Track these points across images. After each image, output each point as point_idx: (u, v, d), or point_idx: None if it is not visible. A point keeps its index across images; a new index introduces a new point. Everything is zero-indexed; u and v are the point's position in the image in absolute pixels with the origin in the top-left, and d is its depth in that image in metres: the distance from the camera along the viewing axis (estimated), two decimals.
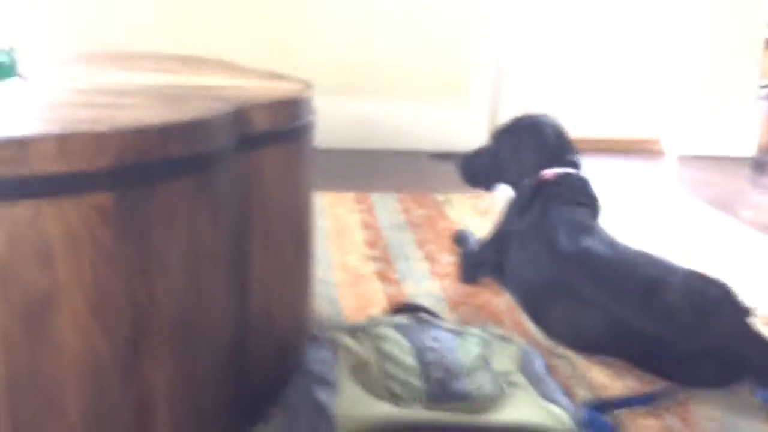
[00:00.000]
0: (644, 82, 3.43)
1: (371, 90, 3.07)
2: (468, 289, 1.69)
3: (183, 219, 0.89)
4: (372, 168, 2.84)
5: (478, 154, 1.78)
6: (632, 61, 3.43)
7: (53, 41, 2.88)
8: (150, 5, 2.90)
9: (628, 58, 3.43)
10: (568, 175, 1.60)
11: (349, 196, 2.36)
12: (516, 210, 1.61)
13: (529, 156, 1.65)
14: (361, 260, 1.83)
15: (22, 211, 0.76)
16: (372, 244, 1.95)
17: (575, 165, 1.64)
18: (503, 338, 1.18)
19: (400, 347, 1.05)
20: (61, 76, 1.22)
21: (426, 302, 1.59)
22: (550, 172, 1.60)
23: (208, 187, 0.93)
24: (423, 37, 1.66)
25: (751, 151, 3.33)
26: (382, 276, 1.73)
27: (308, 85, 1.26)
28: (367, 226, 2.09)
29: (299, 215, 1.18)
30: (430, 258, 1.86)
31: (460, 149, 1.85)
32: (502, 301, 1.62)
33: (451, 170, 2.85)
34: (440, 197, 2.40)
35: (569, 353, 1.39)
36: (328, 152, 2.97)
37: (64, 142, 0.77)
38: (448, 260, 1.85)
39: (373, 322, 1.14)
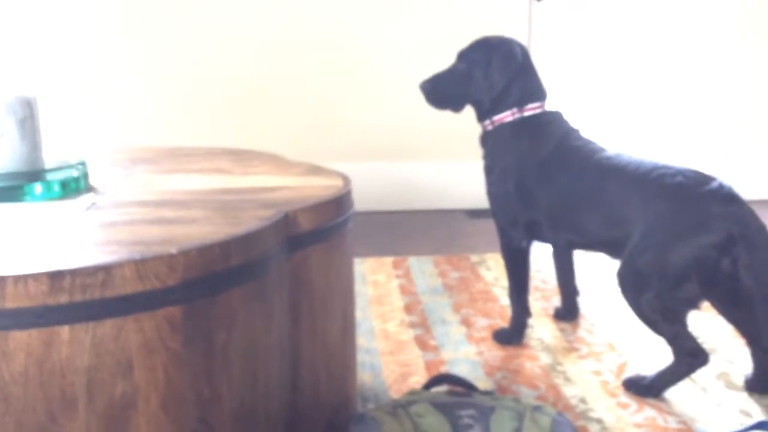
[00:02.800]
0: (690, 130, 3.49)
1: (406, 153, 3.21)
2: (503, 352, 1.77)
3: (241, 321, 1.01)
4: (409, 229, 2.95)
5: (445, 76, 1.77)
6: (677, 109, 3.50)
7: (95, 137, 3.09)
8: (180, 96, 3.10)
9: (670, 106, 3.51)
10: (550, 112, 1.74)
11: (387, 261, 2.47)
12: (526, 145, 1.70)
13: (499, 74, 1.71)
14: (401, 327, 1.93)
15: (107, 327, 0.89)
16: (410, 309, 2.05)
17: (543, 93, 1.76)
18: (536, 408, 1.27)
19: (437, 424, 1.15)
20: (128, 186, 1.36)
21: (464, 367, 1.68)
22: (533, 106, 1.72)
23: (262, 289, 1.05)
24: None
25: None
26: (421, 343, 1.83)
27: (346, 180, 1.38)
28: (406, 291, 2.20)
29: (343, 302, 1.29)
30: (466, 322, 1.96)
31: None
32: (536, 364, 1.71)
33: (485, 227, 2.97)
34: (475, 258, 2.50)
35: (601, 416, 1.46)
36: (369, 215, 3.10)
37: (141, 265, 0.90)
38: (483, 323, 1.94)
39: (412, 399, 1.24)
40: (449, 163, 3.20)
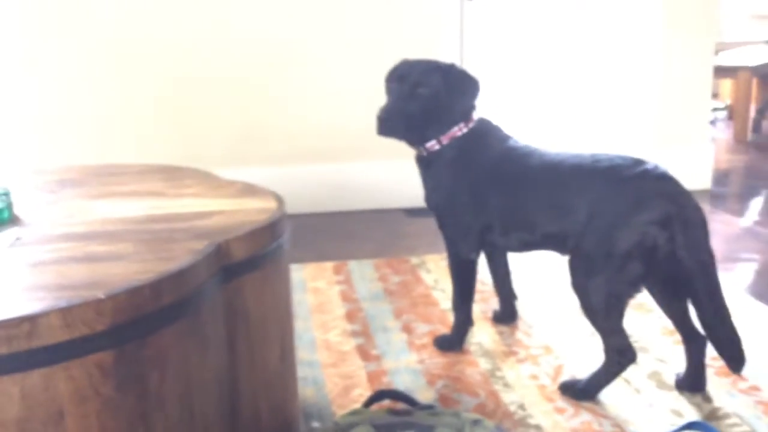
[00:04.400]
0: (597, 120, 3.58)
1: (341, 154, 3.20)
2: (444, 359, 1.80)
3: (174, 360, 1.00)
4: (349, 231, 2.95)
5: (406, 100, 1.71)
6: (585, 101, 3.59)
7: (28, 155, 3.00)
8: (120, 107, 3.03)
9: (582, 96, 3.59)
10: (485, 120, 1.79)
11: (328, 267, 2.47)
12: (470, 158, 1.73)
13: (464, 96, 1.74)
14: (343, 336, 1.94)
15: (36, 378, 0.87)
16: (352, 317, 2.06)
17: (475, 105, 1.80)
18: (475, 423, 1.29)
19: None
20: (55, 215, 1.32)
21: (405, 377, 1.70)
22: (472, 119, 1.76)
23: (195, 325, 1.04)
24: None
25: (706, 183, 3.49)
26: (363, 353, 1.84)
27: (280, 201, 1.37)
28: (347, 298, 2.20)
29: (281, 327, 1.28)
30: (407, 329, 1.97)
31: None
32: (476, 371, 1.73)
33: (424, 226, 2.99)
34: (415, 260, 2.52)
35: (541, 422, 1.50)
36: (307, 217, 3.09)
37: (68, 313, 0.88)
38: (424, 330, 1.96)
39: (353, 420, 1.24)
40: (385, 162, 3.21)
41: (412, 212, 3.14)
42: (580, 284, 1.56)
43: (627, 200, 1.50)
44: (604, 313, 1.54)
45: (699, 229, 1.49)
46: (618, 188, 1.53)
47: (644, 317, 1.96)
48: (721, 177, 3.81)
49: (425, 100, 1.71)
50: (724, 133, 5.35)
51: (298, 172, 3.18)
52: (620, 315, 1.55)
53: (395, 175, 3.19)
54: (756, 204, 3.31)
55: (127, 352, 0.93)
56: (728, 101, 5.90)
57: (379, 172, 3.21)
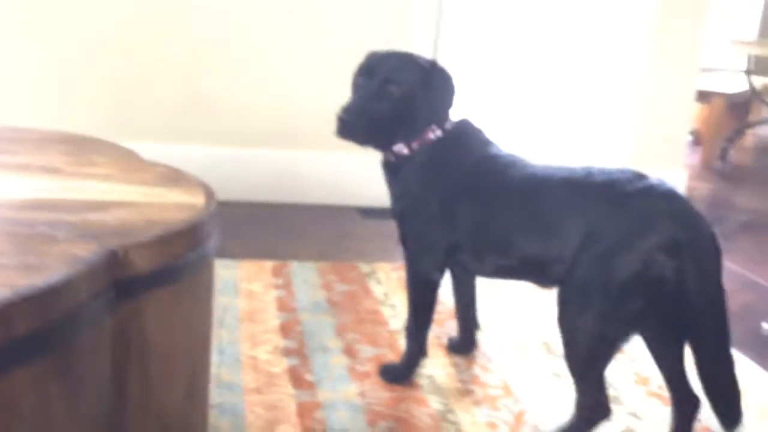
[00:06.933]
0: (572, 130, 3.39)
1: (296, 140, 2.91)
2: (389, 393, 1.54)
3: (30, 410, 0.72)
4: (294, 226, 2.67)
5: (373, 99, 1.45)
6: (561, 109, 3.39)
7: None
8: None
9: (558, 105, 3.39)
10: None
11: (267, 267, 2.18)
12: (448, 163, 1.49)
13: (444, 98, 1.50)
14: (274, 354, 1.67)
15: None
16: (287, 331, 1.79)
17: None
18: None
19: None
20: None
21: (343, 413, 1.45)
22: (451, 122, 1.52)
23: (64, 363, 0.75)
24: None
25: None
26: (296, 377, 1.57)
27: (210, 195, 1.10)
28: (284, 306, 1.92)
29: (191, 360, 1.01)
30: (349, 351, 1.71)
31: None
32: (425, 411, 1.49)
33: (378, 229, 2.73)
34: (365, 268, 2.26)
35: None
36: (249, 206, 2.79)
37: None
38: (369, 354, 1.70)
39: None
40: (342, 154, 2.92)
41: (366, 212, 2.87)
42: (567, 320, 1.32)
43: (628, 221, 1.27)
44: (589, 358, 1.32)
45: (712, 259, 1.27)
46: (618, 207, 1.29)
47: (614, 360, 1.74)
48: None
49: (396, 101, 1.45)
50: (690, 158, 5.22)
51: (243, 154, 2.87)
52: (605, 363, 1.33)
53: (352, 170, 2.90)
54: (721, 238, 3.15)
55: None
56: (695, 126, 5.78)
57: (334, 164, 2.92)
